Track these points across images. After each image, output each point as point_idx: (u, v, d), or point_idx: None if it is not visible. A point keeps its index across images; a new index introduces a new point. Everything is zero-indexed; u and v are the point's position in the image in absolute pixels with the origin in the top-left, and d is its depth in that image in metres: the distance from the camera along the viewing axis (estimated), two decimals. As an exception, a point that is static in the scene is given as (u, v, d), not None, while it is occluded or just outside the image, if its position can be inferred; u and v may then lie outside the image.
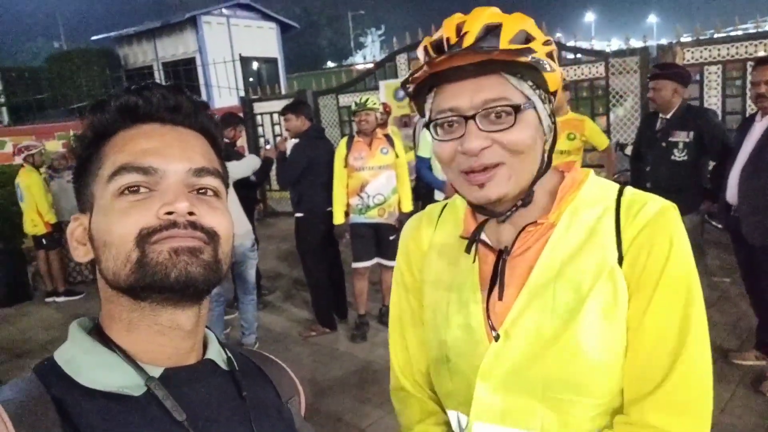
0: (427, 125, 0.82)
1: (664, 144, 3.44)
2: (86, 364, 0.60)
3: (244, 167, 4.30)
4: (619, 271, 0.79)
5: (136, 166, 0.60)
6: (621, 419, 0.80)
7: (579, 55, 6.32)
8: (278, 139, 6.07)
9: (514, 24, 0.77)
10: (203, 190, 0.64)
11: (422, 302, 0.97)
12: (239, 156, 5.26)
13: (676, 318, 0.78)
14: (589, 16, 67.52)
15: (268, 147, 5.48)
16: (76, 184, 0.66)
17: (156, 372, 0.61)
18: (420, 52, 0.80)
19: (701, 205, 3.49)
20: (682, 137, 3.41)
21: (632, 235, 0.79)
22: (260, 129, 9.05)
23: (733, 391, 2.98)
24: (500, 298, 0.84)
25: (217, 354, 0.69)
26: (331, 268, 4.46)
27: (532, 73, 0.78)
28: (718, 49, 5.44)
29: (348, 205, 4.15)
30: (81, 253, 0.64)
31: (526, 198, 0.83)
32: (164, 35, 18.10)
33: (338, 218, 4.15)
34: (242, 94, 10.80)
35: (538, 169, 0.82)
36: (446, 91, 0.79)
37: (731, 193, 3.06)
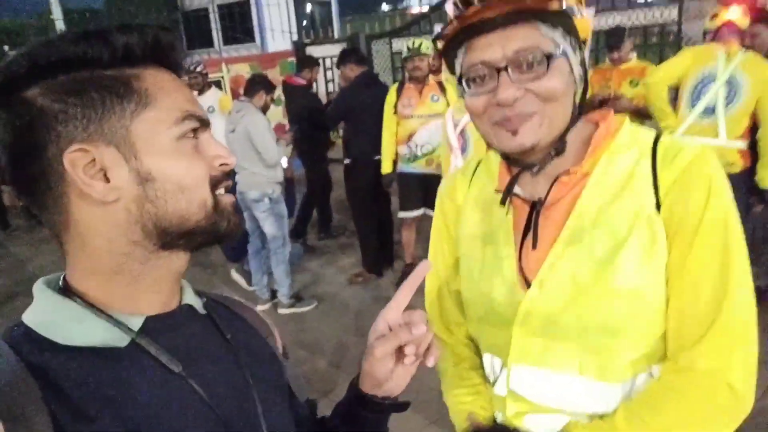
0: (459, 81, 0.83)
1: None
2: (62, 322, 0.57)
3: (271, 154, 3.78)
4: (657, 216, 0.79)
5: (198, 116, 0.61)
6: (669, 366, 0.81)
7: (650, -2, 5.90)
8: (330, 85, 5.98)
9: None
10: None
11: (457, 255, 1.00)
12: (318, 101, 5.29)
13: (718, 262, 0.77)
14: (665, -45, 62.59)
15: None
16: (68, 104, 0.55)
17: (137, 322, 0.59)
18: (449, 7, 0.80)
19: None
20: None
21: (670, 181, 0.79)
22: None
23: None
24: (534, 247, 0.86)
25: (193, 298, 0.68)
26: (380, 215, 4.47)
27: (563, 20, 0.77)
28: (809, -9, 4.95)
29: (396, 153, 4.09)
30: (105, 191, 0.55)
31: (559, 147, 0.83)
32: (219, -24, 18.01)
33: (386, 167, 4.11)
34: (295, 38, 10.72)
35: (570, 118, 0.82)
36: (477, 45, 0.79)
37: None
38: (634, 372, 0.83)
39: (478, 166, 1.01)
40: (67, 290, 0.59)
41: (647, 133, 0.85)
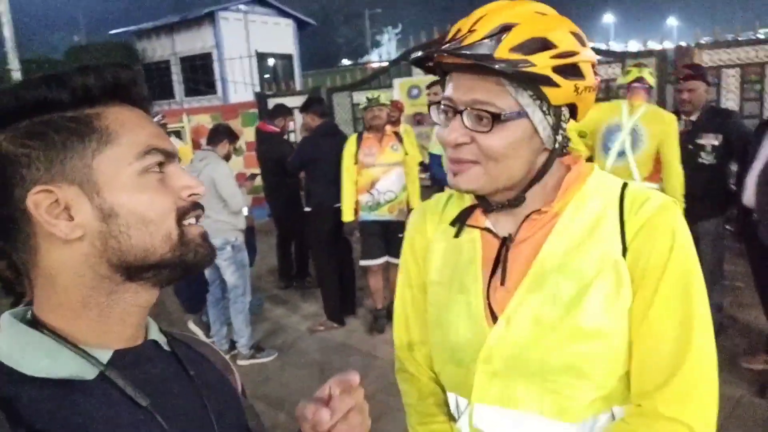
0: (434, 105, 0.86)
1: (690, 146, 3.38)
2: (30, 353, 0.56)
3: (237, 200, 3.86)
4: (623, 263, 0.82)
5: (162, 149, 0.62)
6: (633, 410, 0.83)
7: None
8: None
9: (530, 28, 0.76)
10: None
11: (426, 289, 0.99)
12: (291, 147, 5.32)
13: (680, 311, 0.80)
14: (608, 18, 66.77)
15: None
16: (30, 148, 0.57)
17: (105, 355, 0.59)
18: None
19: (726, 210, 3.46)
20: (710, 140, 3.38)
21: (635, 229, 0.82)
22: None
23: (741, 395, 2.95)
24: (502, 283, 0.86)
25: (157, 335, 0.69)
26: (341, 263, 4.47)
27: (530, 84, 0.77)
28: (737, 52, 5.37)
29: (357, 202, 4.13)
30: (68, 229, 0.57)
31: (514, 201, 0.86)
32: (182, 30, 18.23)
33: (347, 215, 4.12)
34: (257, 89, 10.85)
35: (528, 176, 0.84)
36: (451, 80, 0.82)
37: (749, 197, 3.02)
38: (594, 412, 0.84)
39: (450, 198, 1.01)
40: (35, 323, 0.59)
41: (615, 181, 0.88)
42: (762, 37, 5.68)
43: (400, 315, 1.07)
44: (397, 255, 4.43)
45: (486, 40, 0.75)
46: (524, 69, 0.74)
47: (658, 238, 0.80)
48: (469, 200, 0.95)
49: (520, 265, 0.87)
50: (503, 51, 0.74)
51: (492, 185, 0.83)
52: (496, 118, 0.77)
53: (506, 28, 0.75)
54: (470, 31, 0.76)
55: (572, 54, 0.77)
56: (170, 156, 0.63)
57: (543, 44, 0.75)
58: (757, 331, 3.59)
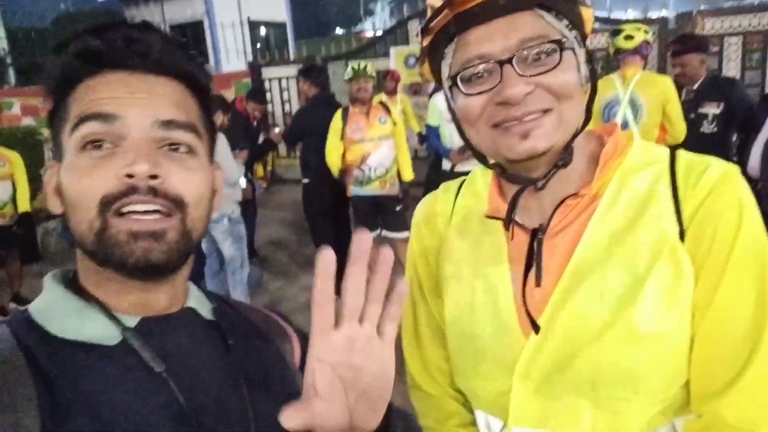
0: (452, 81, 0.70)
1: (692, 116, 3.35)
2: (59, 314, 0.58)
3: (233, 171, 3.80)
4: (681, 247, 0.69)
5: (95, 112, 0.56)
6: (693, 425, 0.71)
7: (595, 25, 6.19)
8: (276, 130, 5.71)
9: None
10: (175, 146, 0.59)
11: (440, 294, 0.86)
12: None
13: (752, 297, 0.67)
14: (605, -14, 65.81)
15: (276, 131, 5.27)
16: (51, 130, 0.63)
17: (132, 321, 0.59)
18: None
19: None
20: (712, 109, 3.36)
21: (695, 205, 0.69)
22: (268, 95, 8.96)
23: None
24: (538, 284, 0.73)
25: (198, 303, 0.67)
26: (340, 233, 4.45)
27: (569, 8, 0.67)
28: (739, 20, 5.30)
29: (342, 171, 4.00)
30: (56, 205, 0.61)
31: (565, 157, 0.71)
32: (171, -3, 17.78)
33: (337, 172, 4.00)
34: (250, 59, 10.66)
35: (582, 123, 0.71)
36: (473, 36, 0.67)
37: (753, 166, 3.00)
38: (653, 427, 0.72)
39: (461, 186, 0.88)
40: (75, 284, 0.61)
41: (660, 150, 0.75)
42: (763, 3, 5.57)
43: (410, 331, 0.92)
44: (390, 228, 4.30)
45: None
46: None
47: (723, 214, 0.67)
48: (484, 187, 0.83)
49: (557, 259, 0.73)
50: None
51: (564, 135, 0.69)
52: (562, 47, 0.65)
53: None
54: None
55: None
56: (112, 120, 0.56)
57: None
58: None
